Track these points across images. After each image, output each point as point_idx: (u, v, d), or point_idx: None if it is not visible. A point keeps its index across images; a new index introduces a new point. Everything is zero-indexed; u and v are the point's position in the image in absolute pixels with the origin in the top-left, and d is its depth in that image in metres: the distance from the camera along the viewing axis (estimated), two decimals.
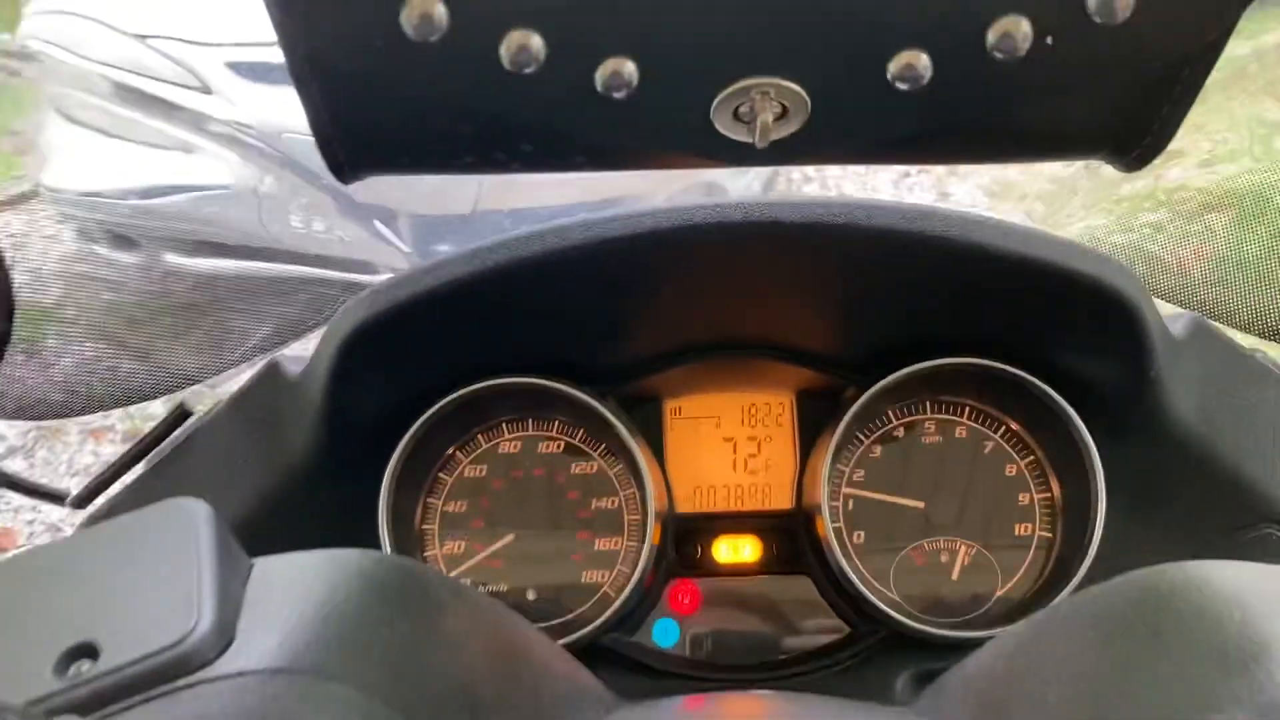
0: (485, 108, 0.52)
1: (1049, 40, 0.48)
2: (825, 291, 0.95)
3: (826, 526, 0.99)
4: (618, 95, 0.50)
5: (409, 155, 0.60)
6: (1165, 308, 0.94)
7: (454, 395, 0.99)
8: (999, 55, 0.48)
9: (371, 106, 0.56)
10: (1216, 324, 0.98)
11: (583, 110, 0.51)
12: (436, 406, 0.99)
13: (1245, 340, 1.01)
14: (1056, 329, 0.93)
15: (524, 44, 0.48)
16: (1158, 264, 1.13)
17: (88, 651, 0.44)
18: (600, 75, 0.49)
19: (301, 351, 1.04)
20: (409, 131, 0.58)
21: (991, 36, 0.48)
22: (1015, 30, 0.47)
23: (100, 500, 1.02)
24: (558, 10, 0.47)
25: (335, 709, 0.42)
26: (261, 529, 0.97)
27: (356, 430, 0.98)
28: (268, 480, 0.97)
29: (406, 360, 0.95)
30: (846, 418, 1.00)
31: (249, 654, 0.44)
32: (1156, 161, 0.59)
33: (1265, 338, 0.98)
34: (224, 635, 0.45)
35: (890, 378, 0.98)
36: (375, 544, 1.00)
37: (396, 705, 0.44)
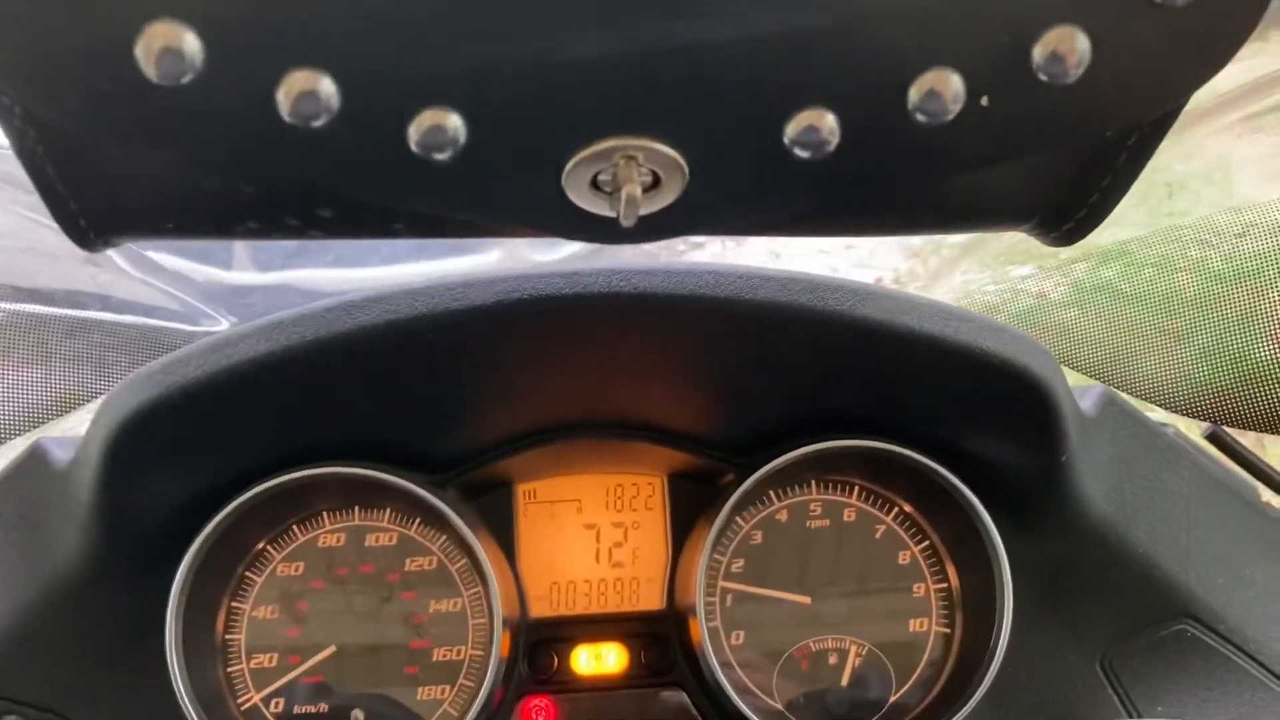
0: (264, 167, 0.41)
1: (984, 101, 0.40)
2: (699, 369, 0.85)
3: (701, 631, 0.90)
4: (439, 157, 0.39)
5: (172, 219, 0.49)
6: (1072, 377, 0.88)
7: (257, 488, 0.86)
8: (921, 117, 0.40)
9: (113, 163, 0.44)
10: (1126, 397, 0.93)
11: (394, 173, 0.40)
12: (237, 502, 0.86)
13: (1155, 415, 0.97)
14: (958, 410, 0.86)
15: (309, 89, 0.36)
16: (1022, 294, 1.20)
17: None
18: (415, 131, 0.38)
19: (77, 429, 0.90)
20: (168, 193, 0.47)
21: (914, 95, 0.39)
22: (944, 88, 0.39)
23: None
24: (352, 45, 0.36)
25: None
26: (19, 659, 0.83)
27: (140, 531, 0.85)
28: (27, 595, 0.83)
29: (198, 448, 0.82)
30: (726, 507, 0.91)
31: None
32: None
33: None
34: None
35: (773, 463, 0.90)
36: (164, 662, 0.86)
37: None
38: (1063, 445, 0.83)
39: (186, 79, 0.36)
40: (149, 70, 0.35)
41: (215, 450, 0.83)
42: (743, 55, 0.37)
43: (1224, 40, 0.39)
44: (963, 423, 0.87)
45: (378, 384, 0.79)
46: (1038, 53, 0.38)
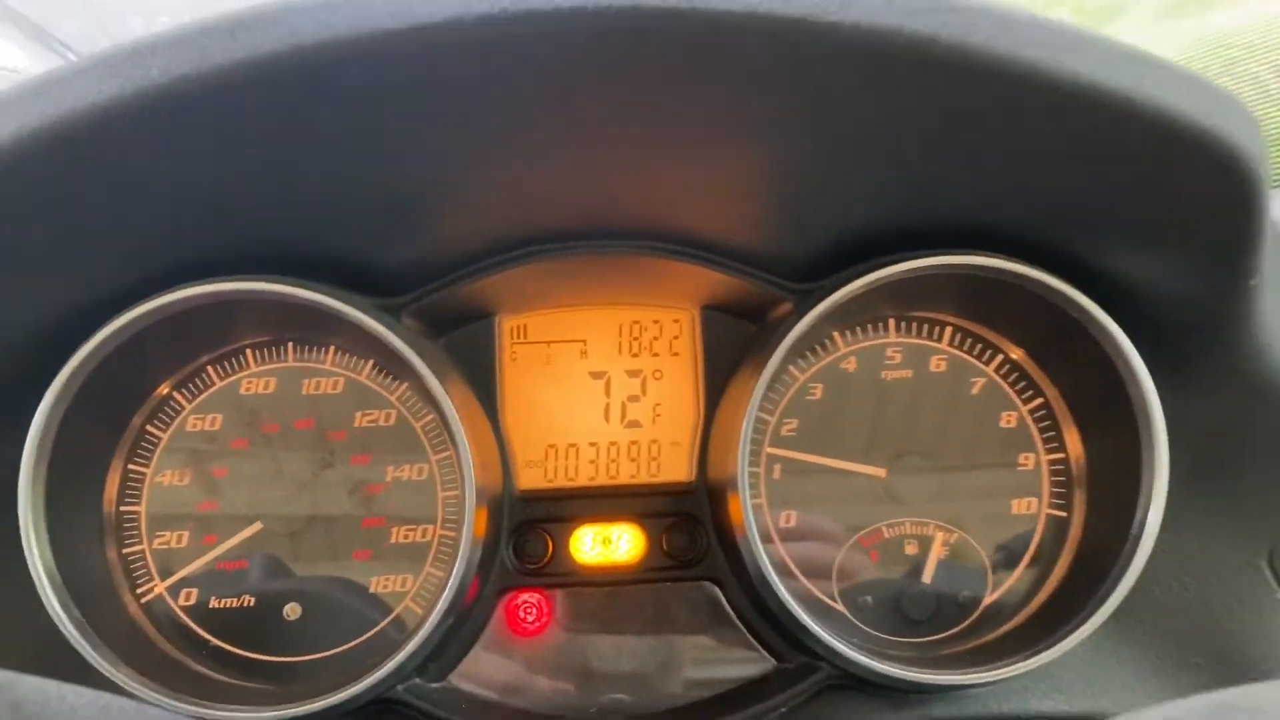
0: None
1: None
2: (759, 143, 0.64)
3: (744, 509, 0.73)
4: None
5: None
6: None
7: (152, 303, 0.69)
8: None
9: None
10: None
11: None
12: (128, 316, 0.69)
13: None
14: (1114, 207, 0.66)
15: None
16: None
17: None
18: None
19: None
20: None
21: None
22: None
23: None
24: None
25: None
26: None
27: None
28: None
29: (39, 249, 0.63)
30: (780, 348, 0.73)
31: None
32: None
33: None
34: None
35: (849, 286, 0.71)
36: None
37: None
38: (1256, 262, 0.64)
39: None
40: None
41: (70, 251, 0.65)
42: None
43: None
44: (1116, 228, 0.68)
45: (285, 153, 0.59)
46: None
